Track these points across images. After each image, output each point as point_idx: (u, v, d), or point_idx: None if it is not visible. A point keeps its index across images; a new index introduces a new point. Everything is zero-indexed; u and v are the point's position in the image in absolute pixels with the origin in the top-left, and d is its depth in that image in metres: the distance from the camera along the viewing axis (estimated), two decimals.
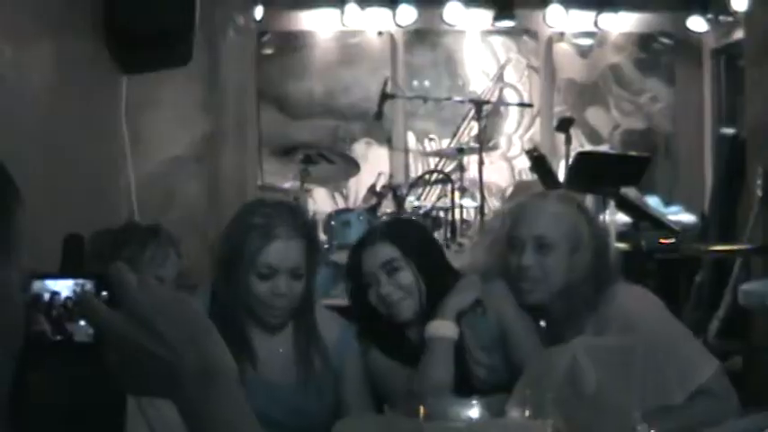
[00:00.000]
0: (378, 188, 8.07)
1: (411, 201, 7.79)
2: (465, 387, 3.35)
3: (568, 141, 6.73)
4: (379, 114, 8.05)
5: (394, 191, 7.78)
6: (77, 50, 4.08)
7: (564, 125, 6.69)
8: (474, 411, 2.85)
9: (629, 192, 6.62)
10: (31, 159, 3.43)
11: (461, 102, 8.73)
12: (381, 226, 4.04)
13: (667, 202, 9.13)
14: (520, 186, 8.85)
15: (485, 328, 3.47)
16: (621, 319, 3.22)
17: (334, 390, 3.48)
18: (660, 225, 7.18)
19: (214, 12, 5.70)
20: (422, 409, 2.63)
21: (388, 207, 7.68)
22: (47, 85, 3.73)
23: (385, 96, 8.08)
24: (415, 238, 3.62)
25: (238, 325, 3.31)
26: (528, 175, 9.43)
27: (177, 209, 5.00)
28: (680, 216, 8.60)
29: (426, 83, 9.95)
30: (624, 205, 6.66)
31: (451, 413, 2.85)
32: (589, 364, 2.75)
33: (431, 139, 9.89)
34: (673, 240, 7.42)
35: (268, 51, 9.76)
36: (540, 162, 6.94)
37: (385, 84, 8.15)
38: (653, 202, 8.62)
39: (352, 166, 7.71)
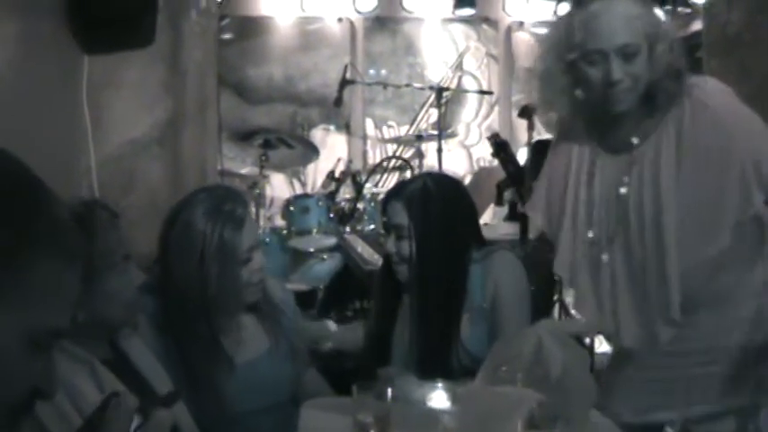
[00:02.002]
0: (337, 174, 8.08)
1: (369, 187, 7.80)
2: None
3: (531, 128, 6.71)
4: (338, 100, 8.03)
5: (353, 176, 7.79)
6: (39, 30, 4.03)
7: (526, 112, 6.67)
8: (439, 394, 2.88)
9: None
10: None
11: (421, 89, 8.71)
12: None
13: None
14: (482, 173, 8.87)
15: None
16: (702, 111, 3.12)
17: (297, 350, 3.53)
18: None
19: None
20: (389, 392, 2.64)
21: (346, 193, 7.69)
22: (7, 63, 3.68)
23: (345, 82, 8.07)
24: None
25: (219, 318, 3.28)
26: (485, 163, 9.48)
27: (138, 192, 4.96)
28: None
29: (385, 70, 9.95)
30: None
31: (416, 396, 2.87)
32: (555, 346, 2.76)
33: (389, 126, 9.90)
34: None
35: (228, 36, 9.73)
36: (502, 147, 6.93)
37: (345, 70, 8.14)
38: None
39: (312, 152, 7.71)
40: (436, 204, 3.52)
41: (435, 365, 3.35)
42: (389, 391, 2.61)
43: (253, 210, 6.67)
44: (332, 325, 4.59)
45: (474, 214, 3.79)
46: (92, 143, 4.52)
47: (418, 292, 3.54)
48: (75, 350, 2.55)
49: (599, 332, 3.67)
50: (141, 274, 2.82)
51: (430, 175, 3.85)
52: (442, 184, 3.67)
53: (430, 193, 3.53)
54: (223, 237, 3.18)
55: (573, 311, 6.79)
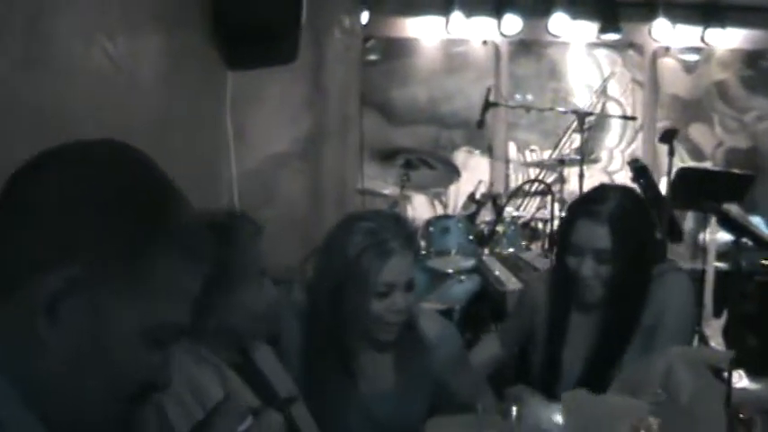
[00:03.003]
0: (477, 196, 8.08)
1: (510, 210, 7.78)
2: None
3: (671, 153, 6.62)
4: (481, 123, 8.02)
5: (494, 199, 7.79)
6: (187, 44, 4.12)
7: (667, 136, 6.58)
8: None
9: (732, 208, 6.53)
10: (143, 150, 3.48)
11: (564, 112, 8.65)
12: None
13: None
14: None
15: None
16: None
17: (433, 392, 3.46)
18: (763, 245, 7.06)
19: (321, 11, 5.73)
20: (514, 410, 2.64)
21: (486, 215, 7.68)
22: (159, 77, 3.77)
23: (488, 105, 8.05)
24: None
25: (348, 346, 3.31)
26: None
27: (278, 205, 5.03)
28: None
29: (529, 95, 9.91)
30: (726, 222, 6.56)
31: (543, 415, 2.85)
32: (686, 373, 2.73)
33: (532, 150, 9.86)
34: None
35: (373, 57, 9.81)
36: (642, 173, 6.86)
37: (488, 92, 8.12)
38: (756, 221, 8.49)
39: (453, 173, 7.70)
40: (636, 227, 3.53)
41: (598, 384, 3.34)
42: (514, 409, 2.61)
43: None
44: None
45: (655, 225, 3.79)
46: (234, 156, 4.60)
47: (611, 313, 3.57)
48: (204, 353, 2.64)
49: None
50: (275, 291, 2.85)
51: (622, 191, 3.72)
52: (635, 202, 3.65)
53: (630, 215, 3.51)
54: (362, 263, 3.15)
55: (712, 343, 6.72)
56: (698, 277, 6.90)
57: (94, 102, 3.04)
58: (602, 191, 3.70)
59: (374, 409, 3.32)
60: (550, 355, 3.71)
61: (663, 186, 7.07)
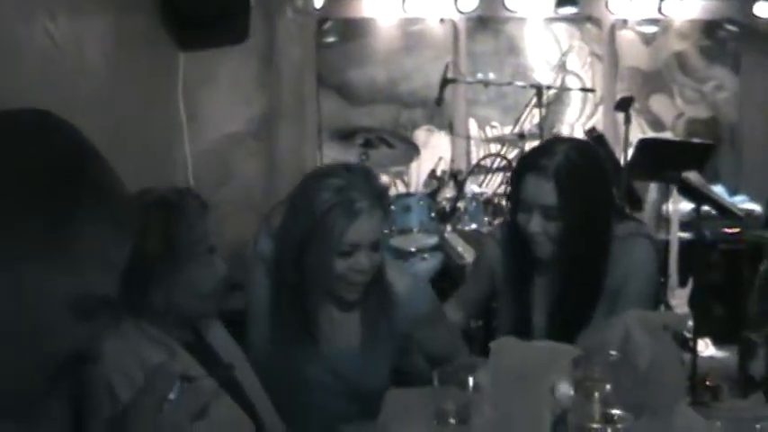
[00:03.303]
0: (438, 173, 8.05)
1: (472, 187, 7.76)
2: None
3: (628, 121, 6.62)
4: (439, 100, 8.00)
5: (455, 176, 7.77)
6: (135, 26, 4.09)
7: (623, 104, 6.58)
8: None
9: (691, 175, 6.53)
10: (87, 133, 3.44)
11: (522, 87, 8.60)
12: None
13: (732, 192, 8.99)
14: None
15: None
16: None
17: (400, 349, 3.47)
18: (724, 212, 7.06)
19: None
20: (471, 380, 2.60)
21: (448, 192, 7.66)
22: (105, 59, 3.73)
23: (446, 81, 8.04)
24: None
25: (310, 305, 3.28)
26: None
27: (233, 185, 5.00)
28: (746, 205, 8.47)
29: (489, 71, 9.87)
30: (686, 190, 6.55)
31: None
32: (643, 336, 2.70)
33: (493, 127, 9.82)
34: (737, 229, 7.33)
35: (330, 39, 9.76)
36: (599, 142, 6.86)
37: (446, 69, 8.10)
38: (718, 191, 8.51)
39: (413, 151, 7.66)
40: (586, 182, 3.43)
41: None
42: (470, 379, 2.57)
43: None
44: None
45: (610, 181, 3.69)
46: (187, 137, 4.57)
47: (565, 272, 3.53)
48: (155, 332, 2.66)
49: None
50: (225, 267, 2.82)
51: (570, 144, 3.60)
52: (585, 155, 3.53)
53: (578, 169, 3.42)
54: (328, 221, 3.11)
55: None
56: (662, 248, 6.92)
57: (37, 82, 3.01)
58: (551, 144, 3.65)
59: (340, 367, 3.32)
60: (518, 316, 3.67)
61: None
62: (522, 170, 3.52)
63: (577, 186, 3.38)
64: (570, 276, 3.51)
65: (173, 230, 2.67)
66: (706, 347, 7.55)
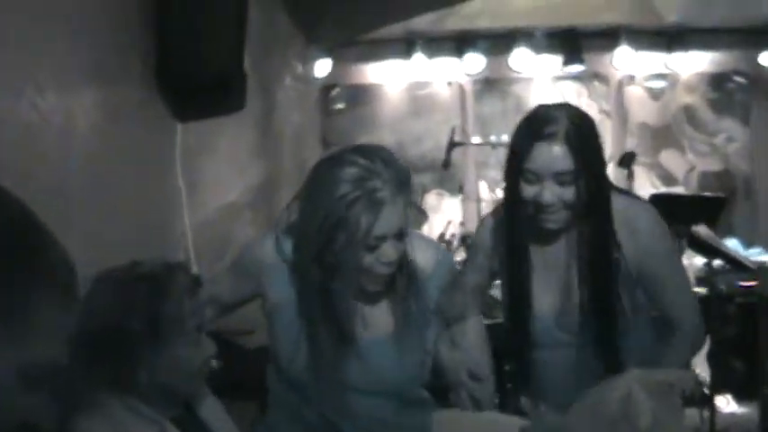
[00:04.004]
0: (447, 236, 8.01)
1: None
2: None
3: (630, 177, 6.59)
4: (447, 162, 7.97)
5: (463, 239, 7.71)
6: (127, 97, 4.07)
7: (626, 160, 6.55)
8: None
9: (701, 230, 6.46)
10: (80, 207, 3.41)
11: None
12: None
13: (747, 245, 8.90)
14: None
15: None
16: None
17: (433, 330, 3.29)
18: (739, 266, 6.98)
19: (268, 58, 5.68)
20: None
21: (458, 256, 7.60)
22: (96, 131, 3.70)
23: (452, 144, 8.02)
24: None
25: (342, 305, 3.09)
26: None
27: (232, 256, 4.95)
28: (762, 258, 8.38)
29: (498, 132, 9.83)
30: (696, 244, 6.49)
31: None
32: (645, 398, 2.63)
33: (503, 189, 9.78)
34: (754, 282, 7.22)
35: (339, 106, 9.79)
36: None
37: (452, 132, 8.08)
38: (732, 244, 8.43)
39: (420, 216, 7.63)
40: (592, 143, 3.35)
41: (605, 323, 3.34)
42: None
43: None
44: None
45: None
46: (186, 208, 4.53)
47: (582, 231, 3.43)
48: (144, 409, 2.57)
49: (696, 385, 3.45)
50: (213, 347, 2.76)
51: (568, 111, 3.45)
52: (586, 119, 3.43)
53: (585, 132, 3.34)
54: (351, 217, 2.91)
55: (697, 370, 6.64)
56: None
57: (21, 154, 2.97)
58: (548, 111, 3.44)
59: (373, 359, 3.16)
60: (517, 293, 3.57)
61: None
62: (526, 141, 3.34)
63: (588, 149, 3.31)
64: (585, 235, 3.42)
65: (158, 307, 2.59)
66: (727, 403, 7.45)
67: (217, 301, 3.27)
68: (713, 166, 9.97)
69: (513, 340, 3.62)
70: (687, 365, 3.44)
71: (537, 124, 3.35)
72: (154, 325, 2.57)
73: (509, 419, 2.72)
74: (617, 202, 3.42)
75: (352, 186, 2.90)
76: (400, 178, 2.99)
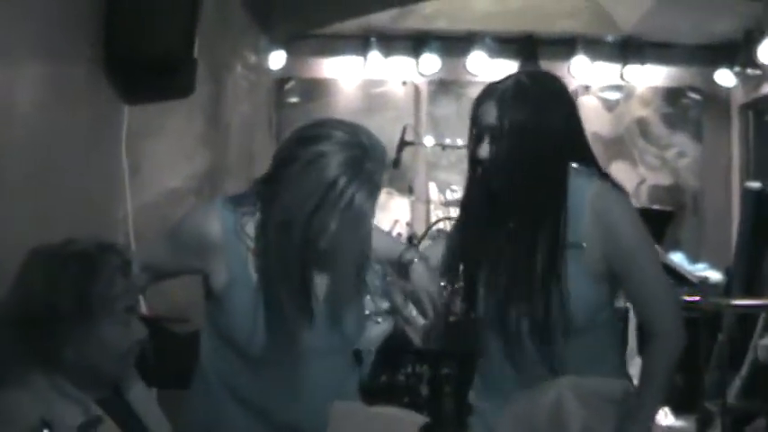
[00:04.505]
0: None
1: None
2: None
3: None
4: (397, 162, 7.91)
5: (410, 239, 7.68)
6: (75, 75, 3.99)
7: None
8: None
9: None
10: (19, 183, 3.35)
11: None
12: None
13: (693, 260, 8.95)
14: None
15: None
16: None
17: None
18: (682, 280, 7.01)
19: (219, 45, 5.62)
20: None
21: None
22: (39, 108, 3.62)
23: (403, 144, 7.97)
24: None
25: (308, 276, 3.02)
26: None
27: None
28: (706, 273, 8.42)
29: (449, 133, 9.81)
30: None
31: None
32: (576, 406, 2.61)
33: (453, 190, 9.75)
34: (696, 297, 7.24)
35: (293, 99, 9.76)
36: None
37: (404, 131, 8.04)
38: (678, 259, 8.46)
39: None
40: (531, 101, 3.07)
41: (527, 307, 3.05)
42: None
43: None
44: None
45: (577, 120, 3.26)
46: (129, 191, 4.47)
47: (507, 202, 3.12)
48: (70, 389, 2.54)
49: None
50: (144, 329, 2.71)
51: (527, 72, 3.44)
52: (539, 80, 3.24)
53: (524, 89, 3.10)
54: (354, 199, 2.81)
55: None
56: (622, 316, 6.83)
57: None
58: (509, 75, 3.27)
59: (336, 324, 3.13)
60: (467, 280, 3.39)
61: None
62: (475, 102, 3.20)
63: (521, 107, 3.07)
64: (517, 206, 3.12)
65: (88, 286, 2.55)
66: (665, 417, 7.47)
67: (150, 270, 3.15)
68: (663, 180, 10.02)
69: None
70: (668, 374, 3.19)
71: (491, 84, 3.21)
72: (82, 303, 2.53)
73: (408, 414, 2.67)
74: (588, 185, 3.14)
75: (341, 170, 2.82)
76: (385, 159, 2.97)
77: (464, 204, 3.35)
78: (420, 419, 2.46)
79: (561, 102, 3.21)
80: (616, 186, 3.20)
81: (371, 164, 2.86)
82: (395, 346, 3.53)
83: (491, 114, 3.07)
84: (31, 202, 3.43)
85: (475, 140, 3.16)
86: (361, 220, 2.89)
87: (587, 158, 3.23)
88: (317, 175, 2.83)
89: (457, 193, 9.58)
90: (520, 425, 2.63)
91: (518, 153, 3.06)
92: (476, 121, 3.15)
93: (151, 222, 4.57)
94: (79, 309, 2.53)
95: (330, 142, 2.87)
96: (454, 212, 9.13)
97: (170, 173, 5.06)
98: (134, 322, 2.68)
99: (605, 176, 3.22)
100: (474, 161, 3.19)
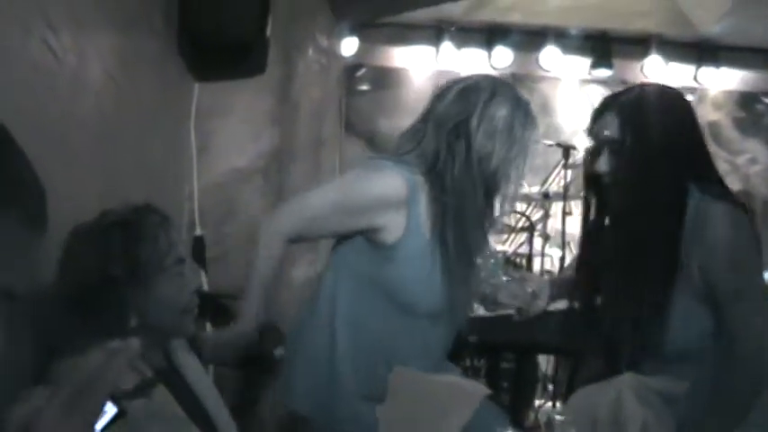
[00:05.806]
0: None
1: (493, 245, 7.66)
2: None
3: None
4: None
5: None
6: (147, 48, 3.99)
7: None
8: None
9: None
10: (85, 156, 3.34)
11: (550, 145, 8.42)
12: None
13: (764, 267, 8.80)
14: None
15: None
16: None
17: None
18: None
19: (292, 27, 5.61)
20: None
21: None
22: (110, 77, 3.61)
23: None
24: None
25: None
26: None
27: (238, 221, 4.89)
28: None
29: None
30: None
31: None
32: (635, 405, 2.57)
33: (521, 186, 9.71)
34: None
35: (363, 87, 9.74)
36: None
37: None
38: None
39: None
40: (654, 116, 3.09)
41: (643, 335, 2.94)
42: None
43: None
44: None
45: (701, 138, 3.30)
46: (196, 169, 4.48)
47: (626, 218, 3.12)
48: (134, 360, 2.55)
49: None
50: (198, 277, 2.75)
51: (652, 86, 3.49)
52: (663, 95, 3.24)
53: (647, 103, 3.13)
54: (526, 133, 3.18)
55: None
56: None
57: (33, 94, 2.90)
58: (630, 87, 3.33)
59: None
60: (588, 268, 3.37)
61: None
62: (594, 113, 3.25)
63: (643, 121, 3.08)
64: (635, 228, 3.09)
65: (134, 249, 2.62)
66: None
67: (301, 238, 3.35)
68: (733, 185, 9.84)
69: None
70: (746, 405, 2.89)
71: (612, 95, 3.32)
72: (133, 267, 2.59)
73: (470, 383, 2.65)
74: (692, 196, 3.06)
75: (510, 110, 3.20)
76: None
77: (584, 217, 3.39)
78: (482, 390, 2.44)
79: (686, 120, 3.22)
80: (723, 197, 3.10)
81: (528, 105, 3.30)
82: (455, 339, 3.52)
83: (612, 127, 3.10)
84: (98, 173, 3.43)
85: (593, 153, 3.19)
86: (527, 151, 3.22)
87: (710, 176, 3.18)
88: (494, 110, 3.21)
89: (524, 188, 9.53)
90: (580, 418, 2.59)
91: (642, 168, 3.06)
92: (594, 133, 3.18)
93: (216, 201, 4.58)
94: (132, 272, 2.58)
95: (503, 85, 3.34)
96: (520, 207, 9.12)
97: (237, 152, 5.06)
98: (186, 272, 2.75)
99: (715, 186, 3.16)
100: (591, 175, 3.24)
